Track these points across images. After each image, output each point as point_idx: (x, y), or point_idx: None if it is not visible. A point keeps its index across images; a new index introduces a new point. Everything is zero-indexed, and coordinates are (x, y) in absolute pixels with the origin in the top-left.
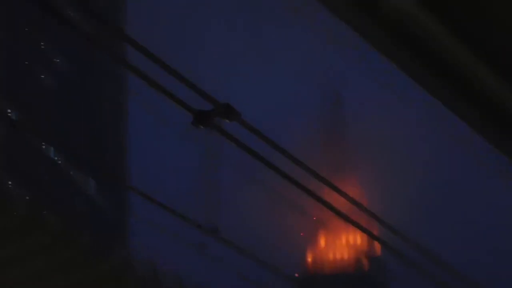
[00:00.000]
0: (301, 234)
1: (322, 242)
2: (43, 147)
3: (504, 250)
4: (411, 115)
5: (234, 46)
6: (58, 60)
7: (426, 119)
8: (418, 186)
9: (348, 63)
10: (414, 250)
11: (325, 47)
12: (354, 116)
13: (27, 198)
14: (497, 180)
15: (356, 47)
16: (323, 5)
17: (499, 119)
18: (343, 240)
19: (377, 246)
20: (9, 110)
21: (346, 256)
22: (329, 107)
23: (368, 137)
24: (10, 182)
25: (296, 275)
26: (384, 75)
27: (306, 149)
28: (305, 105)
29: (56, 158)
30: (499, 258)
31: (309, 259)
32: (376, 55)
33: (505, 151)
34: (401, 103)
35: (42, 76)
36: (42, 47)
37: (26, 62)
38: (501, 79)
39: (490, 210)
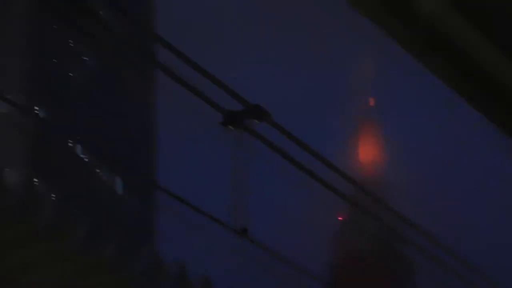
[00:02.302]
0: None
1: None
2: (70, 144)
3: None
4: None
5: (268, 49)
6: (86, 58)
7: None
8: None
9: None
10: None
11: (359, 50)
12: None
13: (54, 196)
14: None
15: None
16: (357, 10)
17: None
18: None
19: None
20: (36, 107)
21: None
22: (360, 110)
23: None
24: (36, 180)
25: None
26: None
27: (338, 147)
28: (337, 108)
29: (84, 156)
30: None
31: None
32: (408, 58)
33: None
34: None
35: (70, 74)
36: (71, 45)
37: (54, 60)
38: None
39: None
